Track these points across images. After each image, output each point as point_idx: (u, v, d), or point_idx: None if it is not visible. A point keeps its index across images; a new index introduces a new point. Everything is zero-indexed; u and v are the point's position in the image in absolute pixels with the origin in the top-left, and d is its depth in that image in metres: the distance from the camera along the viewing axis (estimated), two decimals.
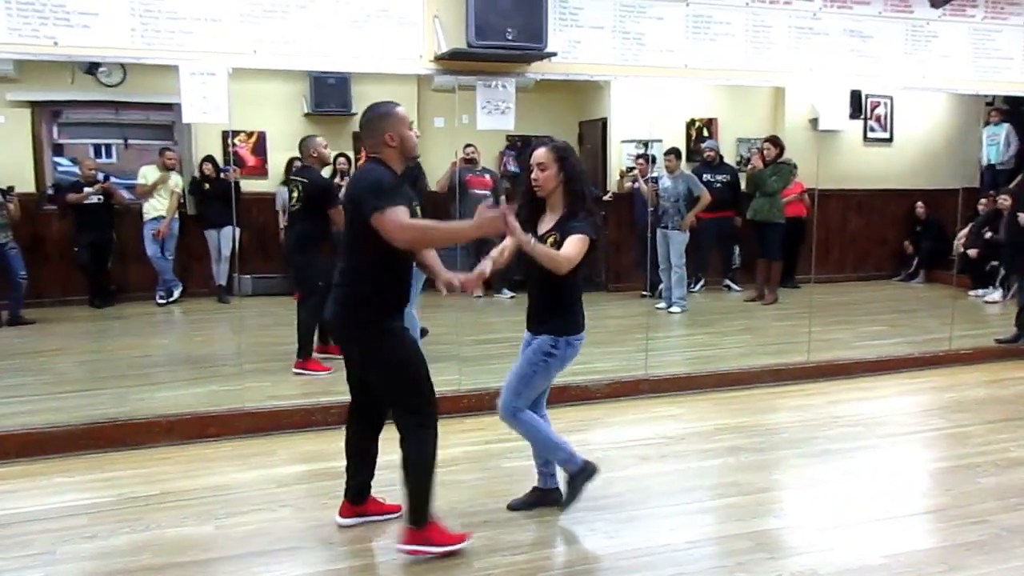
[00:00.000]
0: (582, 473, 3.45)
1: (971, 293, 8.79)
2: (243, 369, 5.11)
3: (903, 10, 5.83)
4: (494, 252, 3.34)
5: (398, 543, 3.15)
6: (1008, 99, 8.93)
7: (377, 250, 2.96)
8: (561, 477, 3.49)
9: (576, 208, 3.22)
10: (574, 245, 3.13)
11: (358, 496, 3.39)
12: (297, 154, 8.72)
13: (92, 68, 7.98)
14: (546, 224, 3.29)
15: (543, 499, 3.55)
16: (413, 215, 3.02)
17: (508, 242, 3.27)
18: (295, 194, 5.71)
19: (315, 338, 5.81)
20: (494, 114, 5.02)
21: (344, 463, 3.40)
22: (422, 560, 3.10)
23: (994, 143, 9.42)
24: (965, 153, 9.40)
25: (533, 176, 3.25)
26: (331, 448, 4.38)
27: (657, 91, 8.37)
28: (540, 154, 3.23)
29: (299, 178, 5.74)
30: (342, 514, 3.40)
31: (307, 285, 5.71)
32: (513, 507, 3.54)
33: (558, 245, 3.16)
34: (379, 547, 3.26)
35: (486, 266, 3.25)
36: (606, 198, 8.95)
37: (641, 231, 8.01)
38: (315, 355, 5.77)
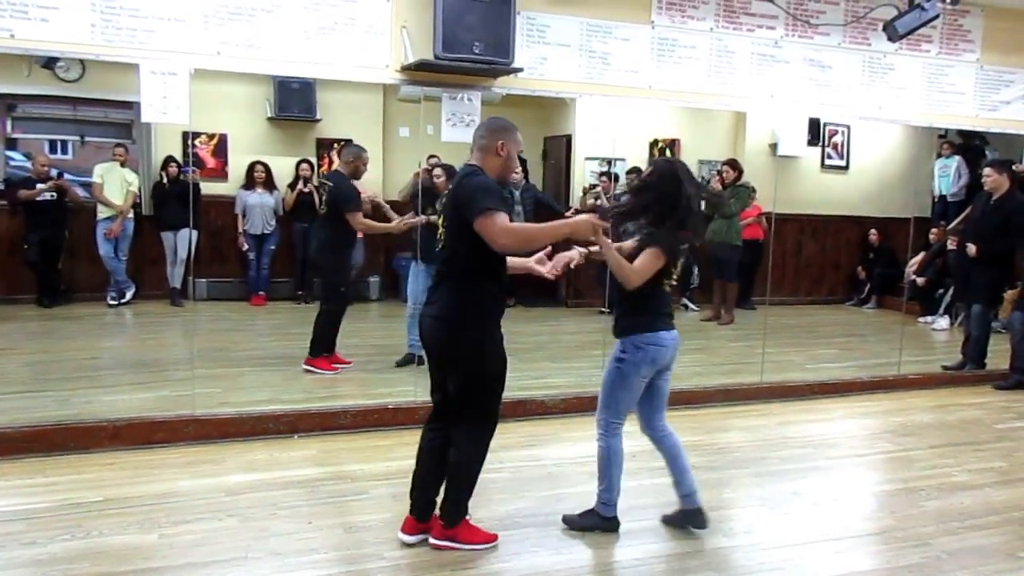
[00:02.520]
0: (604, 520, 3.48)
1: (920, 320, 9.01)
2: (194, 374, 5.01)
3: (861, 42, 5.98)
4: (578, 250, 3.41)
5: (431, 536, 3.26)
6: (959, 133, 9.19)
7: (480, 257, 3.03)
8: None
9: (661, 220, 3.26)
10: (645, 259, 3.20)
11: (424, 512, 3.34)
12: (259, 158, 8.72)
13: (50, 62, 7.82)
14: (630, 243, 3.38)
15: (688, 520, 3.55)
16: None
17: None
18: (323, 197, 5.92)
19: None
20: (459, 126, 5.03)
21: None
22: (372, 574, 3.07)
23: (945, 175, 9.69)
24: (918, 183, 9.65)
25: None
26: (282, 457, 4.34)
27: (622, 110, 8.43)
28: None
29: (326, 182, 5.94)
30: (405, 530, 3.35)
31: (332, 289, 5.91)
32: (665, 521, 3.59)
33: (635, 253, 3.24)
34: (330, 559, 3.21)
35: (574, 254, 3.35)
36: (568, 214, 8.99)
37: None
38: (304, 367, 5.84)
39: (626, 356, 3.32)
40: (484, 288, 3.12)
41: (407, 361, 5.95)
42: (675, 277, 3.36)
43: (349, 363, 5.95)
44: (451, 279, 3.13)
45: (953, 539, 3.59)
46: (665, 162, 3.49)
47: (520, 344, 6.24)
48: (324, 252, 5.91)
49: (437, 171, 6.11)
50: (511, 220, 3.03)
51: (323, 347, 5.86)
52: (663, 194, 3.28)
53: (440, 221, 3.22)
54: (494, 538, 3.34)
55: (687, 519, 3.55)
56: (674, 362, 3.47)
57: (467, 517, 3.32)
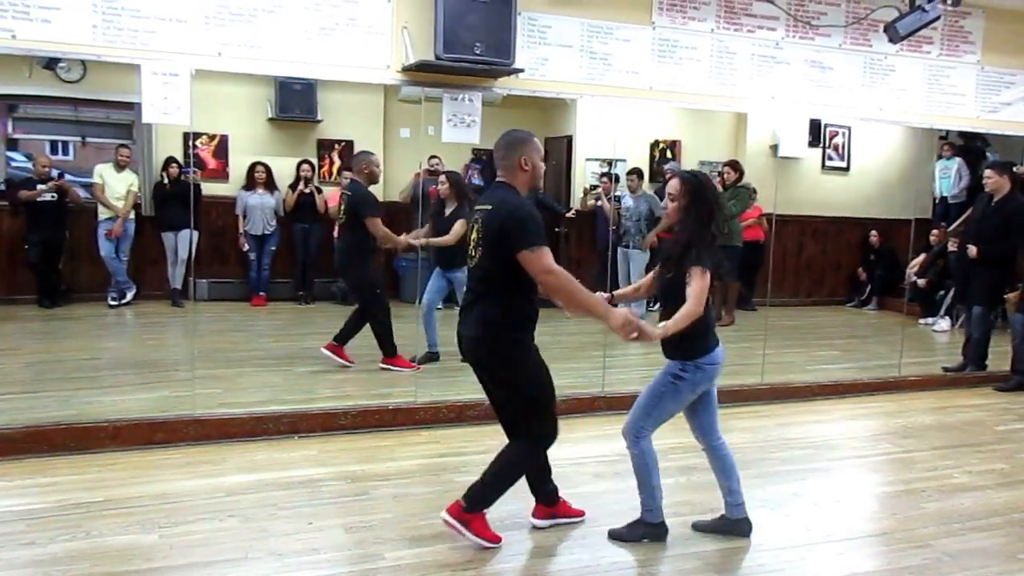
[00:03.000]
0: (652, 527, 3.46)
1: (921, 321, 9.00)
2: (195, 375, 5.01)
3: (862, 44, 5.98)
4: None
5: (444, 510, 3.29)
6: (959, 134, 9.19)
7: (516, 276, 3.09)
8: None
9: (692, 241, 3.25)
10: (697, 285, 3.18)
11: (548, 498, 3.53)
12: (260, 159, 8.73)
13: (51, 63, 7.82)
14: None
15: (732, 528, 3.55)
16: None
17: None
18: (342, 207, 6.01)
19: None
20: (460, 127, 5.03)
21: None
22: (373, 574, 3.07)
23: (946, 176, 9.68)
24: (919, 185, 9.64)
25: (663, 204, 3.40)
26: (283, 457, 4.34)
27: (622, 111, 8.43)
28: (671, 185, 3.35)
29: (346, 191, 6.05)
30: (535, 515, 3.53)
31: (366, 294, 5.98)
32: (697, 528, 3.58)
33: (675, 279, 3.26)
34: (330, 559, 3.21)
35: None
36: (569, 215, 9.01)
37: (602, 249, 8.07)
38: (332, 354, 5.94)
39: (686, 376, 3.31)
40: (521, 305, 3.19)
41: (429, 359, 6.04)
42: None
43: (353, 363, 5.98)
44: (489, 297, 3.18)
45: (954, 541, 3.58)
46: (691, 175, 3.39)
47: None
48: (349, 261, 5.97)
49: (441, 178, 6.15)
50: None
51: (393, 345, 5.96)
52: (702, 208, 3.28)
53: (475, 237, 3.23)
54: (498, 539, 3.34)
55: (732, 528, 3.55)
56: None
57: (485, 512, 3.33)
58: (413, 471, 4.18)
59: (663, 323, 3.21)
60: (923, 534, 3.64)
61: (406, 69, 4.87)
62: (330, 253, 8.51)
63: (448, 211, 6.13)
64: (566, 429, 4.92)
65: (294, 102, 8.56)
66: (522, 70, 5.01)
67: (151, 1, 4.38)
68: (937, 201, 9.87)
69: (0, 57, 6.48)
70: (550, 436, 3.33)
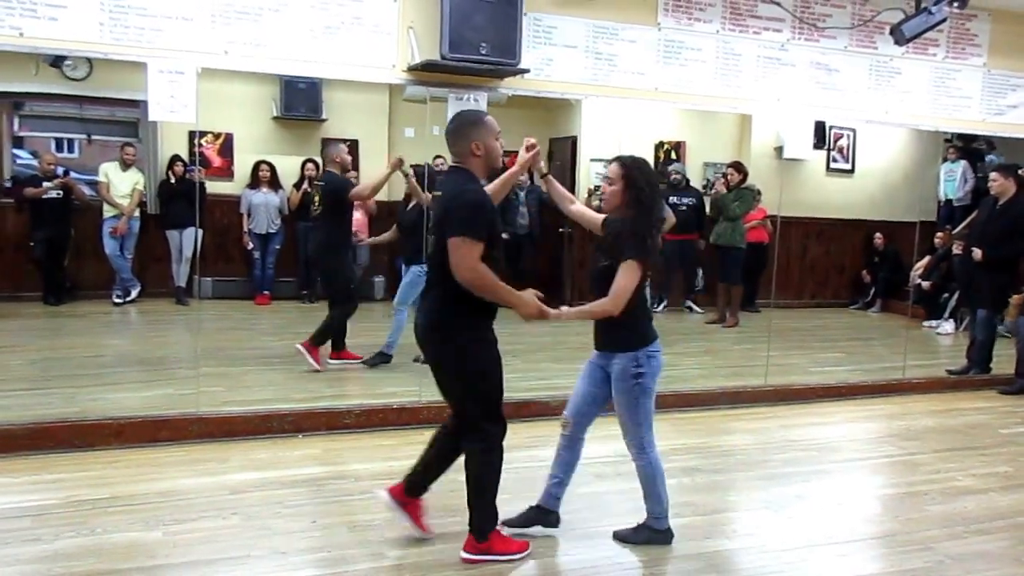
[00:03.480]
0: (658, 533, 3.42)
1: (925, 324, 8.99)
2: (199, 373, 5.03)
3: (868, 46, 5.98)
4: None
5: (462, 551, 3.20)
6: (963, 137, 9.17)
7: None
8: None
9: (632, 228, 3.15)
10: (624, 278, 3.09)
11: (410, 489, 3.36)
12: (264, 158, 8.74)
13: (57, 61, 7.84)
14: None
15: (541, 519, 3.47)
16: (497, 234, 3.07)
17: None
18: (317, 198, 6.00)
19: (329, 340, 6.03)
20: None
21: None
22: (375, 573, 3.08)
23: (951, 179, 9.67)
24: (923, 187, 9.63)
25: (601, 189, 3.26)
26: (287, 456, 4.34)
27: (627, 112, 8.44)
28: (611, 168, 3.23)
29: (320, 183, 6.05)
30: (390, 490, 3.36)
31: (338, 289, 5.98)
32: (509, 524, 3.43)
33: (611, 268, 3.14)
34: (332, 558, 3.22)
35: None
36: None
37: None
38: (331, 362, 5.99)
39: (644, 370, 3.22)
40: (472, 297, 3.01)
41: (383, 360, 6.05)
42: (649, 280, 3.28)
43: (359, 357, 6.04)
44: (442, 286, 3.03)
45: (957, 543, 3.58)
46: (629, 158, 3.26)
47: (524, 345, 6.24)
48: (324, 252, 5.99)
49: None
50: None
51: (324, 340, 5.92)
52: (641, 191, 3.15)
53: (432, 226, 3.18)
54: (526, 545, 3.28)
55: (542, 517, 3.48)
56: None
57: (498, 528, 3.25)
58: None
59: (566, 308, 3.18)
60: (926, 537, 3.64)
61: (411, 69, 4.88)
62: None
63: (411, 205, 6.16)
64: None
65: (299, 101, 8.58)
66: (527, 70, 5.01)
67: None
68: (942, 204, 9.85)
69: (7, 55, 6.51)
70: (499, 434, 3.15)
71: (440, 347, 3.11)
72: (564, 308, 3.18)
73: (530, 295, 3.07)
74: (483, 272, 2.93)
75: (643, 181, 3.18)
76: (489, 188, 3.33)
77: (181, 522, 3.48)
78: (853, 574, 3.27)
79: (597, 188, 9.00)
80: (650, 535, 3.43)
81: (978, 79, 6.35)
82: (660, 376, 3.33)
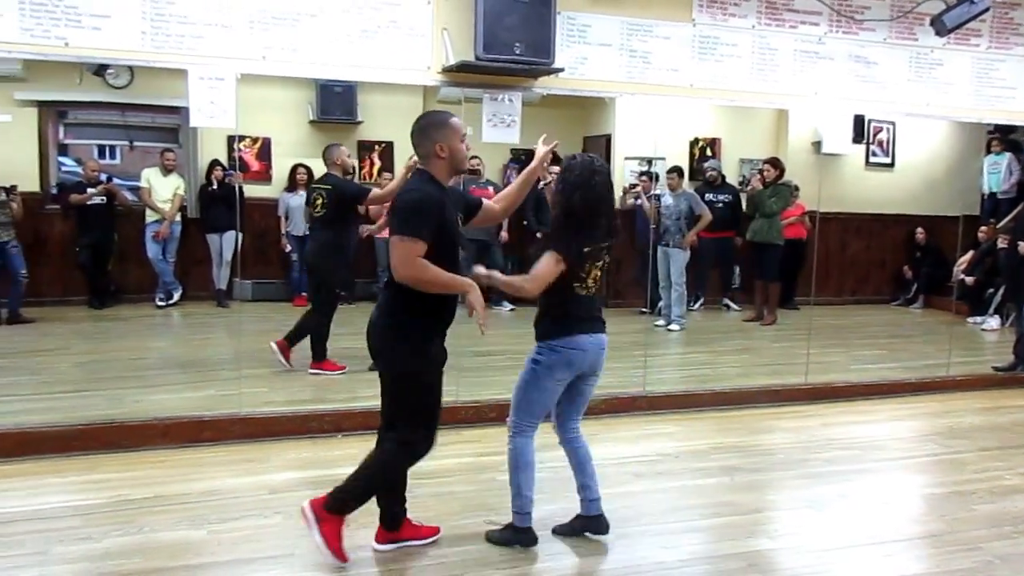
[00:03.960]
0: (517, 532, 3.31)
1: (969, 320, 8.80)
2: (240, 374, 5.10)
3: (908, 37, 5.87)
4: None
5: (308, 499, 3.13)
6: (1001, 128, 8.95)
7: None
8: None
9: (555, 224, 3.21)
10: (541, 264, 3.12)
11: (392, 522, 3.31)
12: (301, 161, 8.84)
13: (100, 69, 8.00)
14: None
15: (588, 526, 3.44)
16: (453, 233, 3.06)
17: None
18: (319, 201, 5.87)
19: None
20: (500, 127, 5.05)
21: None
22: (417, 571, 3.10)
23: (995, 172, 9.45)
24: (966, 181, 9.42)
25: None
26: (326, 455, 4.39)
27: (662, 109, 8.37)
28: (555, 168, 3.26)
29: (322, 185, 5.92)
30: (377, 539, 3.31)
31: (326, 292, 5.92)
32: (557, 531, 3.45)
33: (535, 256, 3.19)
34: (371, 557, 3.25)
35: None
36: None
37: (642, 248, 8.03)
38: (311, 371, 5.89)
39: (541, 358, 3.21)
40: (426, 298, 2.99)
41: None
42: (590, 280, 3.23)
43: (342, 368, 5.93)
44: (393, 286, 3.01)
45: (1006, 544, 3.50)
46: (571, 156, 3.29)
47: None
48: (322, 256, 5.87)
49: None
50: (453, 233, 3.03)
51: (324, 350, 5.90)
52: (567, 188, 3.17)
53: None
54: (344, 558, 3.13)
55: (587, 526, 3.44)
56: (600, 367, 3.35)
57: (343, 519, 3.16)
58: (454, 470, 4.21)
59: (497, 275, 3.18)
60: (973, 537, 3.57)
61: (446, 70, 4.90)
62: (371, 252, 8.62)
63: None
64: (608, 429, 4.96)
65: (335, 104, 8.65)
66: (562, 69, 5.01)
67: (197, 7, 4.46)
68: (985, 197, 9.63)
69: (53, 65, 6.67)
70: (420, 448, 3.12)
71: (379, 347, 3.09)
72: (495, 272, 3.18)
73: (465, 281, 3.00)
74: (419, 267, 2.90)
75: (567, 179, 3.18)
76: (510, 188, 3.38)
77: (225, 521, 3.53)
78: (898, 574, 3.22)
79: (633, 186, 8.97)
80: (511, 535, 3.33)
81: (1023, 69, 6.20)
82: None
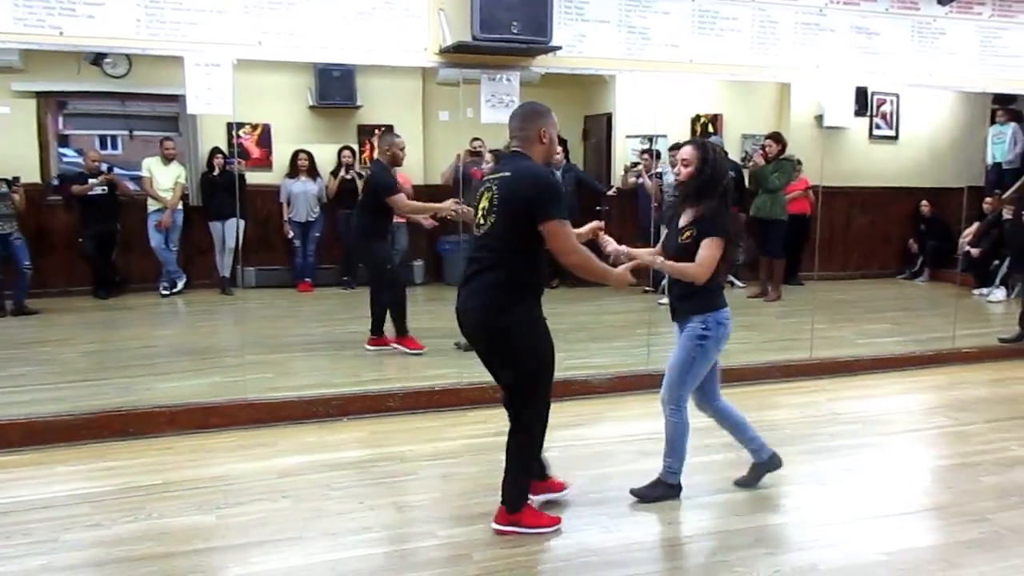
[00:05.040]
0: (671, 488, 3.62)
1: (975, 292, 8.77)
2: (245, 361, 5.12)
3: (910, 7, 5.81)
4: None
5: (493, 522, 3.26)
6: (1002, 98, 8.87)
7: (531, 245, 3.06)
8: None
9: (711, 207, 3.37)
10: (708, 250, 3.31)
11: (539, 474, 3.48)
12: (302, 147, 8.83)
13: (98, 59, 7.99)
14: (685, 218, 3.46)
15: (668, 493, 3.63)
16: None
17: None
18: (360, 186, 6.07)
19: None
20: (498, 107, 5.02)
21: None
22: (424, 552, 3.12)
23: (1000, 142, 9.37)
24: (971, 152, 9.37)
25: (676, 170, 3.50)
26: (332, 439, 4.42)
27: (662, 86, 8.31)
28: (685, 151, 3.44)
29: (366, 169, 6.05)
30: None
31: (377, 271, 6.01)
32: (740, 483, 3.75)
33: (694, 242, 3.35)
34: (381, 538, 3.27)
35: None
36: (610, 193, 8.94)
37: (645, 226, 8.00)
38: (368, 347, 5.97)
39: (710, 333, 3.42)
40: (531, 276, 3.13)
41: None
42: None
43: (421, 347, 5.97)
44: (498, 268, 3.08)
45: (1014, 514, 3.50)
46: (707, 142, 3.55)
47: (564, 324, 6.21)
48: (363, 239, 5.99)
49: (488, 156, 6.06)
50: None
51: (402, 328, 5.97)
52: (716, 173, 3.41)
53: (485, 205, 3.12)
54: (557, 520, 3.34)
55: (768, 467, 3.74)
56: None
57: (529, 501, 3.32)
58: (460, 451, 4.23)
59: (664, 261, 3.41)
60: (981, 508, 3.57)
61: (444, 51, 4.87)
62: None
63: None
64: (613, 408, 4.97)
65: (334, 89, 8.61)
66: (560, 48, 4.98)
67: None
68: (990, 168, 9.57)
69: (51, 56, 6.66)
70: (546, 415, 3.26)
71: (495, 333, 3.15)
72: (659, 258, 3.44)
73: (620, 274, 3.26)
74: (582, 251, 3.08)
75: (712, 164, 3.41)
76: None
77: (234, 505, 3.56)
78: (907, 546, 3.22)
79: (635, 164, 8.94)
80: (664, 491, 3.60)
81: None
82: (724, 344, 3.50)
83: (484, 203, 3.14)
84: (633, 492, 3.61)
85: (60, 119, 9.09)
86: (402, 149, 5.91)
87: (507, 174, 3.11)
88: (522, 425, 3.21)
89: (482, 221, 3.14)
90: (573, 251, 3.04)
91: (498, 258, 3.09)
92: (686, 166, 3.43)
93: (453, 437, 4.46)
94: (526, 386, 3.18)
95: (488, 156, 6.06)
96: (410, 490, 3.74)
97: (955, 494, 3.75)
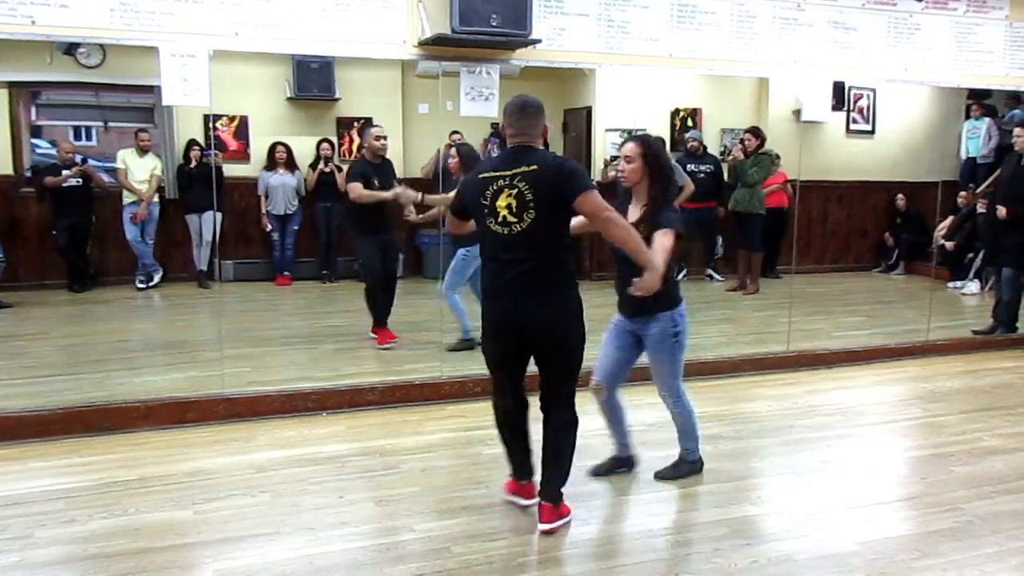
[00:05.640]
0: (694, 464, 3.82)
1: (950, 285, 8.88)
2: (223, 354, 5.08)
3: (886, 3, 5.86)
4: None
5: (541, 524, 3.24)
6: (976, 93, 8.98)
7: (568, 232, 3.16)
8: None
9: (659, 202, 3.43)
10: (663, 240, 3.31)
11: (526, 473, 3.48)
12: (280, 139, 8.77)
13: (71, 49, 7.87)
14: (632, 215, 3.46)
15: (620, 465, 3.81)
16: None
17: None
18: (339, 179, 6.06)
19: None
20: (478, 100, 5.00)
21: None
22: (403, 546, 3.12)
23: (975, 136, 9.50)
24: (946, 146, 9.47)
25: (620, 167, 3.49)
26: (311, 434, 4.39)
27: (642, 80, 8.34)
28: (627, 148, 3.47)
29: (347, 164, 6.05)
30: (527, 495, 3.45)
31: (360, 264, 6.19)
32: (594, 472, 3.79)
33: (647, 238, 3.29)
34: (360, 532, 3.26)
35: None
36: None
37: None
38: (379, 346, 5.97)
39: (680, 327, 3.54)
40: (572, 258, 3.22)
41: (466, 347, 5.73)
42: None
43: (394, 338, 5.98)
44: (549, 267, 3.09)
45: (985, 503, 3.56)
46: (647, 136, 3.63)
47: None
48: (350, 228, 6.11)
49: (452, 151, 5.99)
50: None
51: (374, 319, 6.00)
52: (664, 169, 3.48)
53: (513, 203, 3.03)
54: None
55: (624, 464, 3.85)
56: None
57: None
58: (440, 445, 4.23)
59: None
60: (953, 498, 3.62)
61: (423, 44, 4.85)
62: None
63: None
64: (591, 400, 4.96)
65: (312, 81, 8.55)
66: (539, 41, 4.96)
67: None
68: (964, 162, 9.69)
69: (22, 45, 6.55)
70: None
71: (565, 323, 3.17)
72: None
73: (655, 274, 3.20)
74: (615, 214, 3.09)
75: (660, 157, 3.49)
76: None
77: (211, 501, 3.53)
78: (881, 536, 3.26)
79: (614, 159, 8.93)
80: (689, 468, 3.80)
81: (1000, 33, 6.21)
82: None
83: (509, 201, 3.04)
84: (658, 475, 3.77)
85: (33, 109, 8.94)
86: (378, 139, 5.91)
87: (534, 168, 3.03)
88: (571, 412, 3.28)
89: (511, 219, 3.05)
90: (608, 208, 3.04)
91: (545, 255, 3.09)
92: (629, 163, 3.44)
93: (432, 431, 4.46)
94: (575, 373, 3.26)
95: (452, 150, 5.91)
96: (389, 484, 3.73)
97: (928, 484, 3.81)
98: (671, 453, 3.87)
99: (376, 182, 5.84)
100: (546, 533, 3.21)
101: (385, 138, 6.03)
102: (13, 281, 7.58)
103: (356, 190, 5.74)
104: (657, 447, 4.01)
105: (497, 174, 3.10)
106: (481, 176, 3.15)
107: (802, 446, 4.30)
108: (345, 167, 8.37)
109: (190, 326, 6.87)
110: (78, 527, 3.28)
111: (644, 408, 4.31)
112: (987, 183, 8.40)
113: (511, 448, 3.44)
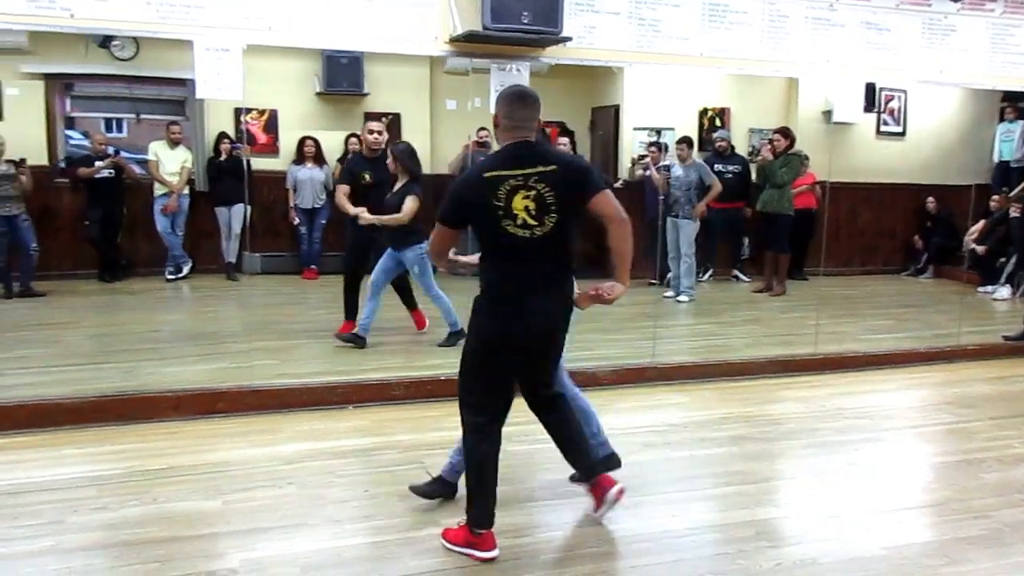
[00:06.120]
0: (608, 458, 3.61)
1: (980, 290, 8.75)
2: (251, 347, 5.13)
3: (921, 3, 5.79)
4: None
5: (607, 487, 3.29)
6: (1019, 95, 8.83)
7: (572, 234, 3.03)
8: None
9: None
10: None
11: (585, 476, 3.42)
12: (309, 133, 8.83)
13: (105, 42, 7.99)
14: None
15: (444, 489, 3.48)
16: None
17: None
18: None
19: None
20: None
21: None
22: (427, 542, 3.14)
23: (1008, 139, 9.36)
24: (978, 149, 9.34)
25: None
26: (337, 427, 4.43)
27: (671, 79, 8.32)
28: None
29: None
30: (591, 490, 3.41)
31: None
32: (414, 489, 3.48)
33: None
34: (384, 526, 3.28)
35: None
36: (617, 185, 8.92)
37: (652, 219, 8.00)
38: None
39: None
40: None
41: (354, 340, 5.75)
42: None
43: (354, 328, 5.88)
44: (565, 270, 3.04)
45: (1015, 512, 3.51)
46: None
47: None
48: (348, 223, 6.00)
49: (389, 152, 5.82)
50: None
51: (348, 310, 5.98)
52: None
53: (531, 205, 2.86)
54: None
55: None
56: None
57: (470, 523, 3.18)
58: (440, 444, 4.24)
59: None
60: (982, 505, 3.58)
61: (453, 40, 4.86)
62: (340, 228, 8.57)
63: (397, 186, 5.60)
64: (617, 399, 4.98)
65: (341, 76, 8.61)
66: (570, 38, 4.96)
67: None
68: (997, 165, 9.54)
69: (58, 37, 6.65)
70: None
71: (565, 322, 3.12)
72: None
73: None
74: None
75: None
76: None
77: (238, 491, 3.57)
78: (907, 541, 3.23)
79: (642, 157, 8.92)
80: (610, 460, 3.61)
81: None
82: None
83: (527, 203, 2.85)
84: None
85: (67, 101, 9.08)
86: (371, 132, 5.82)
87: (552, 168, 2.88)
88: (558, 395, 3.28)
89: (532, 222, 2.87)
90: (622, 210, 2.96)
91: (564, 258, 3.01)
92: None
93: (455, 427, 4.45)
94: (552, 376, 3.27)
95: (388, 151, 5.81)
96: (412, 478, 3.74)
97: (956, 491, 3.76)
98: (682, 454, 3.86)
99: (368, 177, 5.75)
100: (620, 494, 3.27)
101: (379, 132, 5.86)
102: (46, 270, 7.69)
103: (338, 195, 5.79)
104: (677, 447, 4.00)
105: (507, 173, 2.86)
106: (486, 175, 2.89)
107: (828, 449, 4.27)
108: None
109: (218, 318, 6.95)
110: (110, 514, 3.33)
111: (664, 409, 4.30)
112: (1020, 187, 8.29)
113: (491, 488, 3.07)
